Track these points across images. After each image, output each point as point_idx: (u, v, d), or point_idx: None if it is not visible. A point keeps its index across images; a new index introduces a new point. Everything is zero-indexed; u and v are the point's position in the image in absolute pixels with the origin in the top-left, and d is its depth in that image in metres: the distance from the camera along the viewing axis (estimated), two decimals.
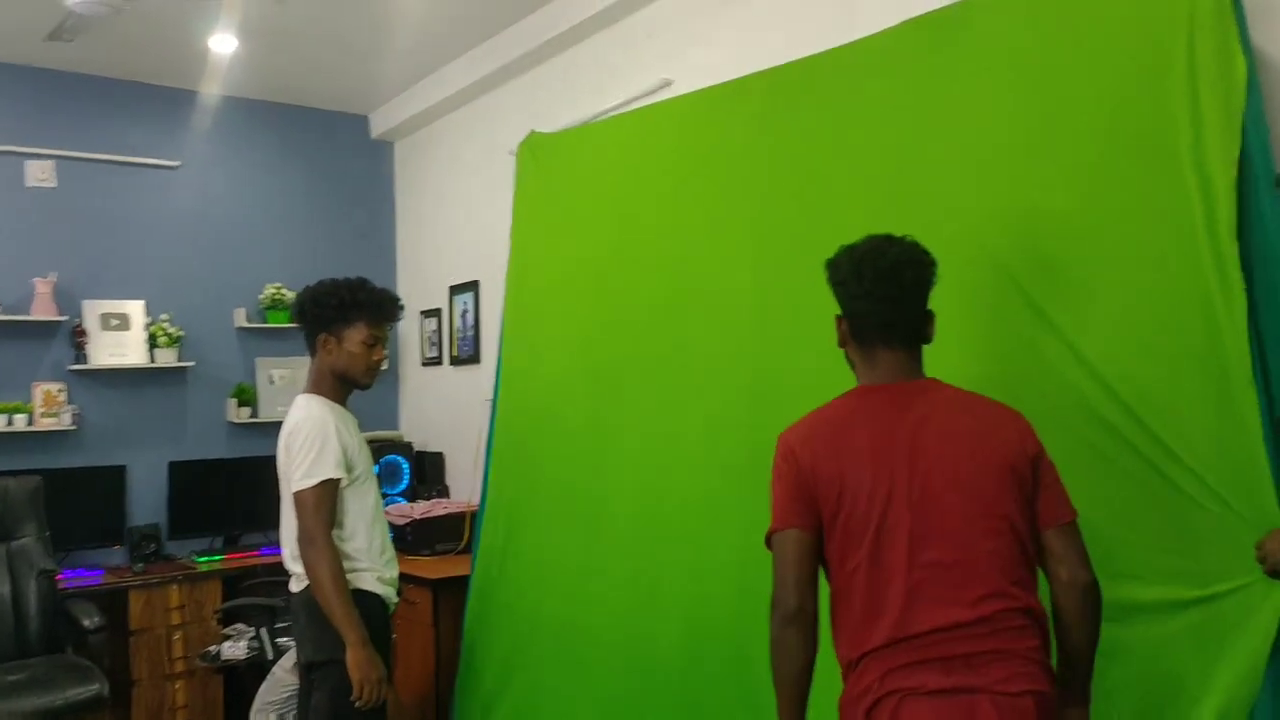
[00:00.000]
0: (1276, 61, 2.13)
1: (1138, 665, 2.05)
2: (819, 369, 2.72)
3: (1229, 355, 1.94)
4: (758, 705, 2.76)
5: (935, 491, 1.74)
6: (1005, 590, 1.70)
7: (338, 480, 2.71)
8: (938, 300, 1.95)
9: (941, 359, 2.03)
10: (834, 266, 1.95)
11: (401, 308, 2.99)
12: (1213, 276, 1.98)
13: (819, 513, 1.79)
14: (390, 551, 2.93)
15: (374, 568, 2.81)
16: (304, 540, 2.69)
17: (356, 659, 2.63)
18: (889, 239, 1.92)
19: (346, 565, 2.73)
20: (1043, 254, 2.29)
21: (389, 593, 2.88)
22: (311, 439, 2.71)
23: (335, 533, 2.73)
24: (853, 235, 2.67)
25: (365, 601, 2.73)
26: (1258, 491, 1.90)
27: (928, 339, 1.92)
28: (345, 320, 2.80)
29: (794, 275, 2.86)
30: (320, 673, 2.76)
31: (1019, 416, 1.85)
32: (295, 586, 2.84)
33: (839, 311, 1.98)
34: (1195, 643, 1.97)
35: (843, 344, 1.96)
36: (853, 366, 1.96)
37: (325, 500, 2.68)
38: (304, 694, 2.91)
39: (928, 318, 1.91)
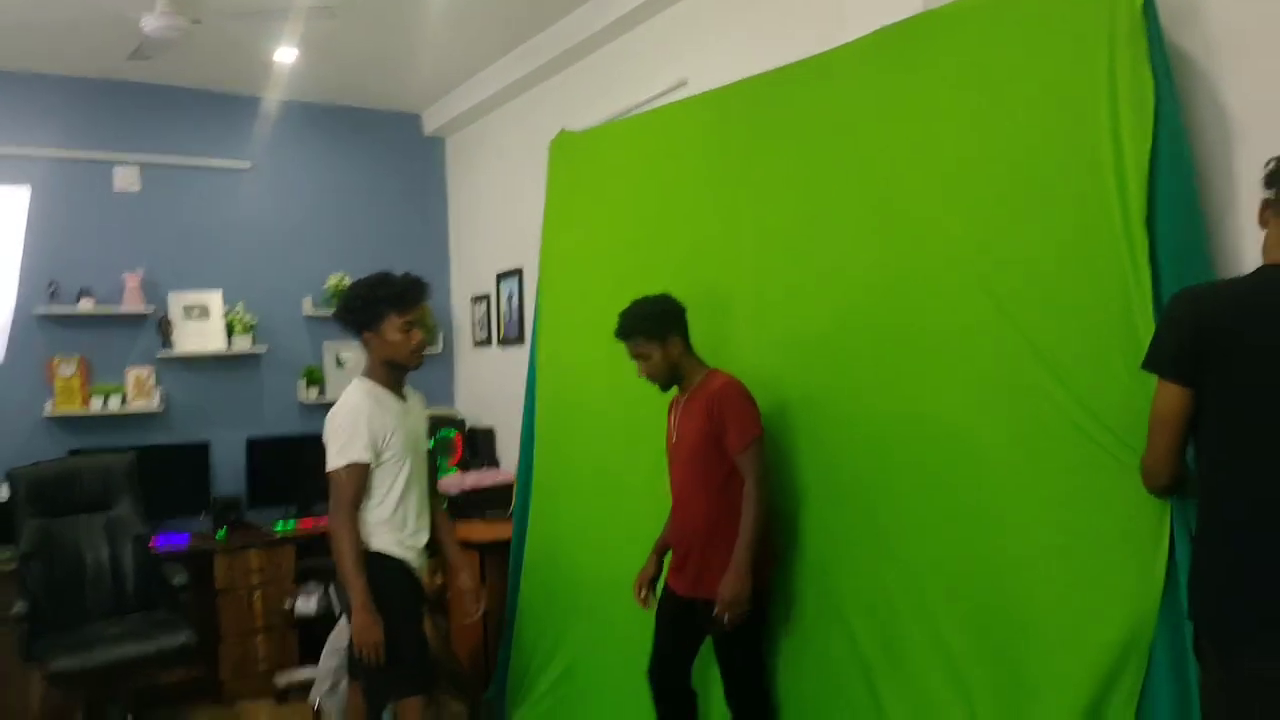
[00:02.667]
0: (1198, 61, 2.35)
1: (1060, 589, 2.36)
2: (826, 353, 3.04)
3: (1139, 327, 2.20)
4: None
5: None
6: None
7: (365, 464, 3.00)
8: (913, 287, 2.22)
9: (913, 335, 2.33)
10: None
11: (425, 287, 3.18)
12: (1127, 261, 2.23)
13: None
14: (419, 523, 3.18)
15: (397, 534, 3.09)
16: (330, 513, 3.02)
17: (356, 622, 2.96)
18: None
19: (370, 532, 3.06)
20: (993, 240, 2.56)
21: (410, 556, 3.14)
22: (343, 426, 3.01)
23: (365, 503, 3.05)
24: (854, 227, 2.98)
25: (385, 563, 3.06)
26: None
27: None
28: (376, 316, 3.07)
29: (798, 267, 3.15)
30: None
31: None
32: None
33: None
34: (1104, 567, 2.29)
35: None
36: None
37: (349, 481, 2.98)
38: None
39: None
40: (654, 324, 3.08)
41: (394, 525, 3.08)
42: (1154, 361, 1.95)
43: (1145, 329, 2.17)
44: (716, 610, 2.86)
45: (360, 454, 2.98)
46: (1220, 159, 2.30)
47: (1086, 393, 2.32)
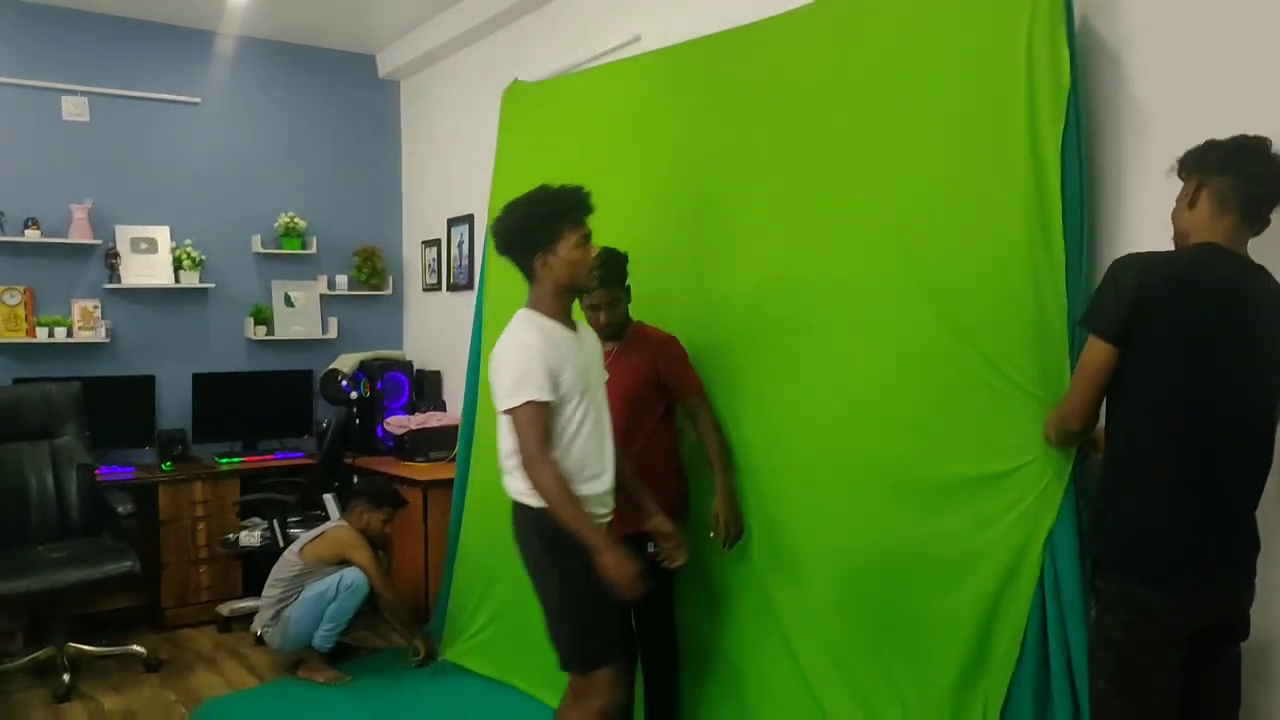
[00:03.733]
0: (1110, 45, 2.51)
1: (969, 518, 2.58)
2: (753, 308, 3.20)
3: (1045, 290, 2.39)
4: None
5: None
6: None
7: (545, 402, 2.61)
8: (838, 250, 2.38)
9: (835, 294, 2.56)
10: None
11: (588, 194, 2.75)
12: (1037, 230, 2.40)
13: None
14: (600, 465, 2.74)
15: (575, 481, 2.67)
16: (525, 461, 2.62)
17: (605, 563, 2.57)
18: None
19: None
20: (913, 207, 2.72)
21: (592, 503, 2.71)
22: (512, 363, 2.66)
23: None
24: (787, 190, 3.11)
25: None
26: (1059, 383, 2.39)
27: None
28: (554, 234, 2.66)
29: (732, 224, 3.29)
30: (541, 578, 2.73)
31: None
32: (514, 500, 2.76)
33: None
34: (1011, 501, 2.50)
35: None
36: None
37: (535, 419, 2.60)
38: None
39: None
40: (623, 274, 3.22)
41: (573, 471, 2.68)
42: (1092, 319, 2.11)
43: (1053, 289, 2.35)
44: (712, 533, 3.15)
45: (535, 391, 2.60)
46: (1125, 142, 2.47)
47: (993, 351, 2.50)
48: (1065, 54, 2.38)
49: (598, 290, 3.12)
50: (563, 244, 2.67)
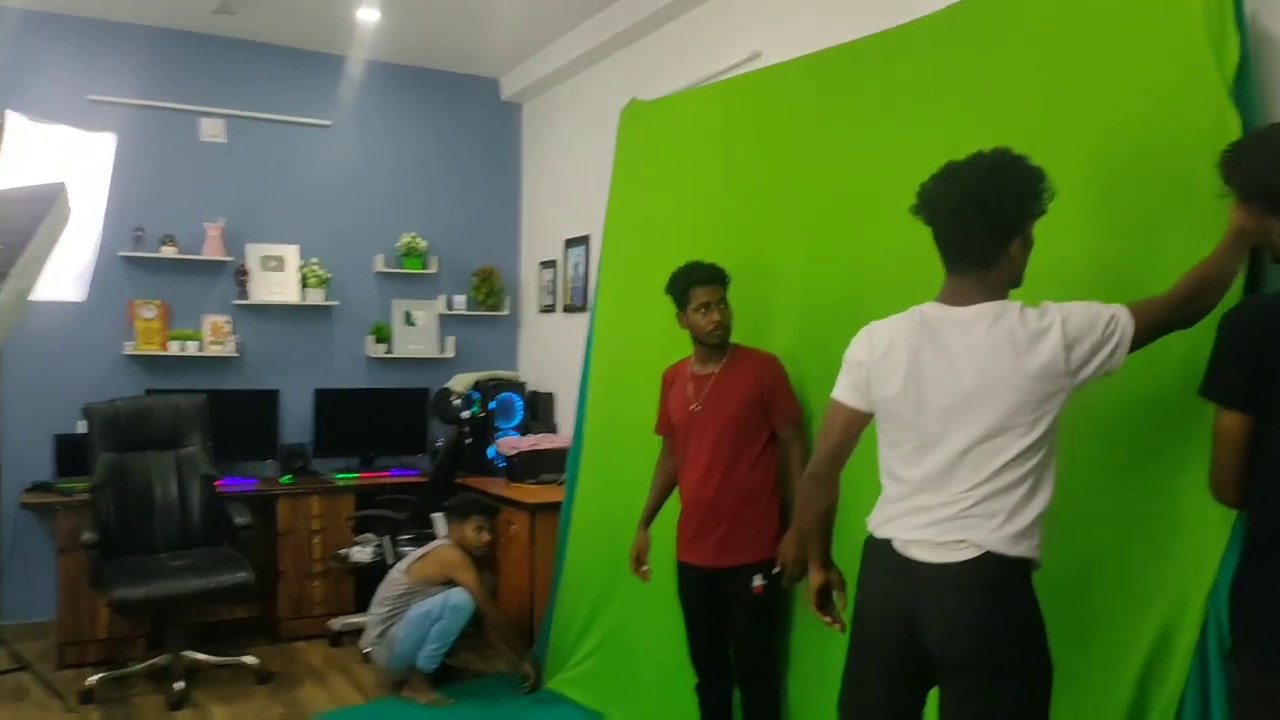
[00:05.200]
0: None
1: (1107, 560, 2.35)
2: (832, 316, 3.02)
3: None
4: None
5: None
6: None
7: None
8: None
9: None
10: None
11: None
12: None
13: None
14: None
15: None
16: None
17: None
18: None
19: None
20: (1062, 225, 2.48)
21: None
22: None
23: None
24: (853, 195, 2.95)
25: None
26: None
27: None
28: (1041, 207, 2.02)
29: (856, 244, 3.11)
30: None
31: None
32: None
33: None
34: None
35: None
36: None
37: None
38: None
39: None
40: (727, 278, 3.16)
41: None
42: (1211, 389, 1.87)
43: None
44: (778, 567, 3.01)
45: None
46: None
47: (1140, 381, 2.26)
48: (1235, 58, 2.14)
49: (703, 287, 3.07)
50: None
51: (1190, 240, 2.16)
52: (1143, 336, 1.97)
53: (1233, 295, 2.04)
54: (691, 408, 3.17)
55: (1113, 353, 1.94)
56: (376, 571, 4.59)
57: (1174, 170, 2.26)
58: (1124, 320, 1.95)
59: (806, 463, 2.92)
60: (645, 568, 3.36)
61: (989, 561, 1.97)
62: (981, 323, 1.98)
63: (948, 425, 2.01)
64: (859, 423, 2.20)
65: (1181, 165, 2.22)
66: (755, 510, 3.06)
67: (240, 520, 4.40)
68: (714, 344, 3.13)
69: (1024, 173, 1.99)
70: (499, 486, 4.94)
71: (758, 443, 3.08)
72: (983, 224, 1.98)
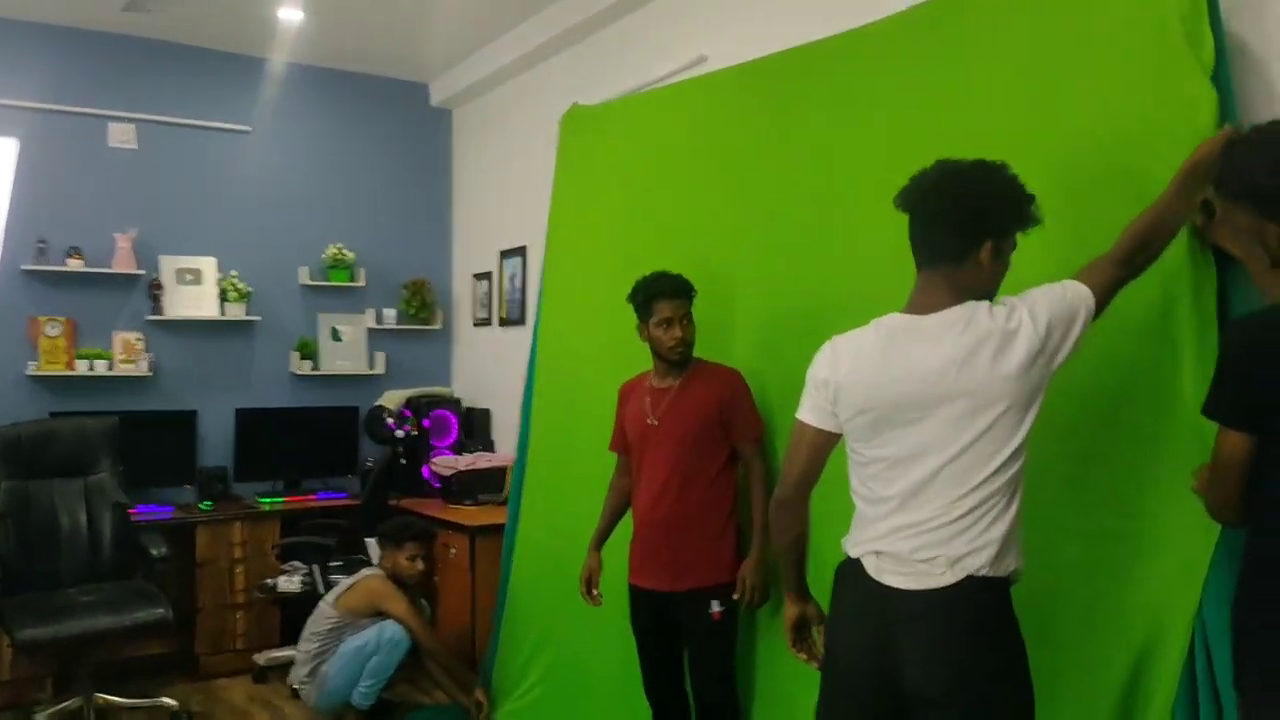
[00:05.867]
0: (1254, 50, 2.20)
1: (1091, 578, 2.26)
2: (794, 325, 2.91)
3: (1205, 316, 2.07)
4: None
5: None
6: None
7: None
8: None
9: None
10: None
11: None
12: (1186, 261, 2.09)
13: None
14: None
15: None
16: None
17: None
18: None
19: None
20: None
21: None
22: None
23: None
24: (868, 215, 2.84)
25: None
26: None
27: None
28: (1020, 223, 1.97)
29: (810, 252, 3.00)
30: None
31: None
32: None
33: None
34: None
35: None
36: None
37: None
38: None
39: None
40: (692, 290, 3.02)
41: None
42: (1214, 408, 1.78)
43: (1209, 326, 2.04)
44: (738, 591, 2.85)
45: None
46: None
47: (1120, 385, 2.18)
48: (1210, 60, 2.08)
49: (666, 301, 2.94)
50: (1006, 244, 2.02)
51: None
52: (1102, 301, 1.94)
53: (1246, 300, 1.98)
54: (648, 421, 3.02)
55: (1082, 329, 1.90)
56: (305, 602, 4.34)
57: (1147, 172, 2.19)
58: (1084, 294, 1.92)
59: (768, 481, 2.85)
60: (596, 592, 3.19)
61: (971, 587, 1.86)
62: (951, 330, 1.89)
63: (922, 439, 1.90)
64: (827, 444, 2.09)
65: (1156, 166, 2.15)
66: (711, 531, 2.92)
67: (155, 551, 4.11)
68: (674, 360, 2.99)
69: (997, 178, 1.94)
70: (435, 508, 4.73)
71: (716, 461, 2.93)
72: (948, 215, 1.94)
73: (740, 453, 2.95)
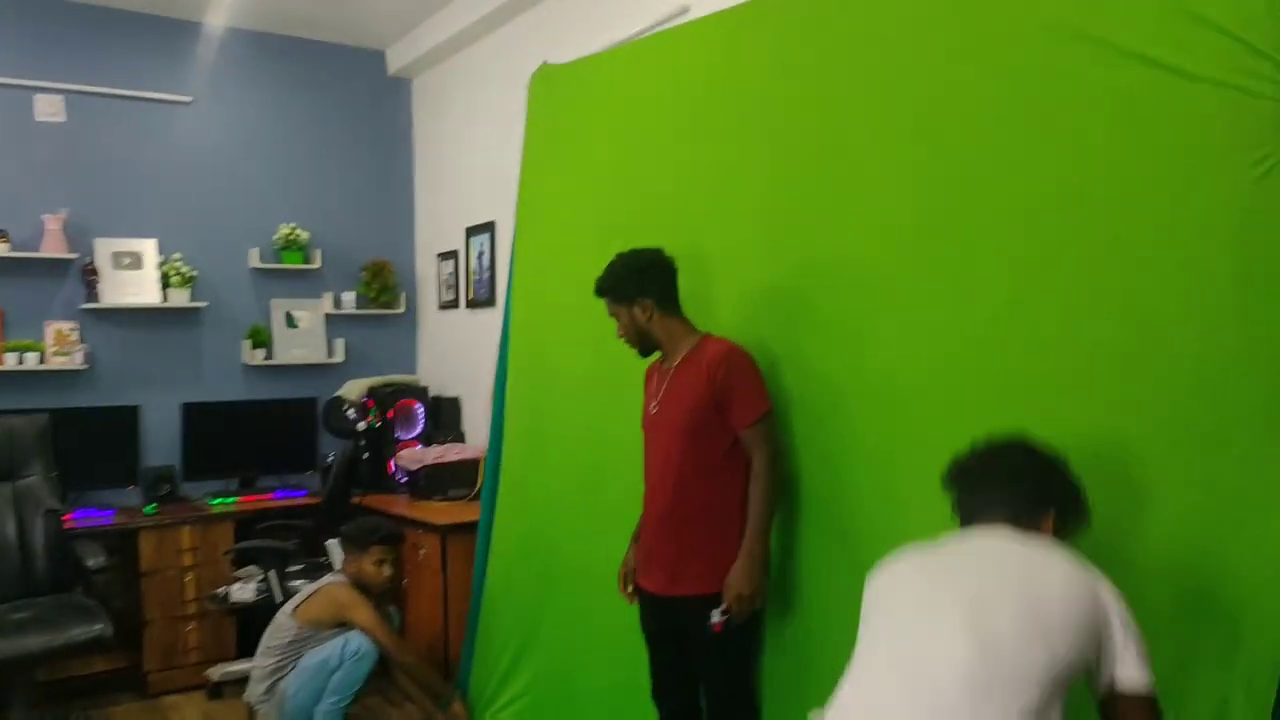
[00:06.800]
0: None
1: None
2: (832, 309, 2.61)
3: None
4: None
5: None
6: None
7: None
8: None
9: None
10: None
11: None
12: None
13: None
14: None
15: None
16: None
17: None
18: None
19: None
20: (1057, 176, 2.13)
21: None
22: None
23: None
24: (868, 169, 2.55)
25: None
26: None
27: None
28: None
29: (809, 212, 2.69)
30: None
31: None
32: None
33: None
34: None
35: None
36: None
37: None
38: None
39: None
40: (623, 284, 2.70)
41: None
42: None
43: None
44: (726, 603, 2.49)
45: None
46: None
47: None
48: None
49: (603, 300, 2.71)
50: None
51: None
52: None
53: None
54: (650, 408, 2.72)
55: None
56: (262, 611, 3.99)
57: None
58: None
59: (770, 472, 2.52)
60: (631, 589, 2.84)
61: None
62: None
63: None
64: None
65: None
66: (711, 532, 2.56)
67: (92, 562, 3.73)
68: (640, 355, 2.75)
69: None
70: (402, 506, 4.38)
71: (716, 450, 2.58)
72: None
73: (741, 437, 2.59)
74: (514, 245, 3.83)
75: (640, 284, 2.66)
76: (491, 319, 4.72)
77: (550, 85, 3.73)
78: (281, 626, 3.55)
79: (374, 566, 3.61)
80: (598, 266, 2.82)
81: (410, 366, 5.47)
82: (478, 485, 4.30)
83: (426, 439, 4.90)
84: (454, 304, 5.16)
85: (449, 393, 5.12)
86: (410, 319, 5.49)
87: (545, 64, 3.77)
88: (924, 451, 2.31)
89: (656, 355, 2.77)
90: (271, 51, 5.12)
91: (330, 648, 3.45)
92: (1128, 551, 1.96)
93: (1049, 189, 2.14)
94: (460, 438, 4.93)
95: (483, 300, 4.88)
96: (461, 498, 4.37)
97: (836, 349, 2.58)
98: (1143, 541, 1.97)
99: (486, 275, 4.85)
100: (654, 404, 2.71)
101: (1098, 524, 1.88)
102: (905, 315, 2.42)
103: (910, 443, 2.38)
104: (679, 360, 2.67)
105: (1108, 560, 1.79)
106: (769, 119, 2.82)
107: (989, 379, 2.24)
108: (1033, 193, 2.17)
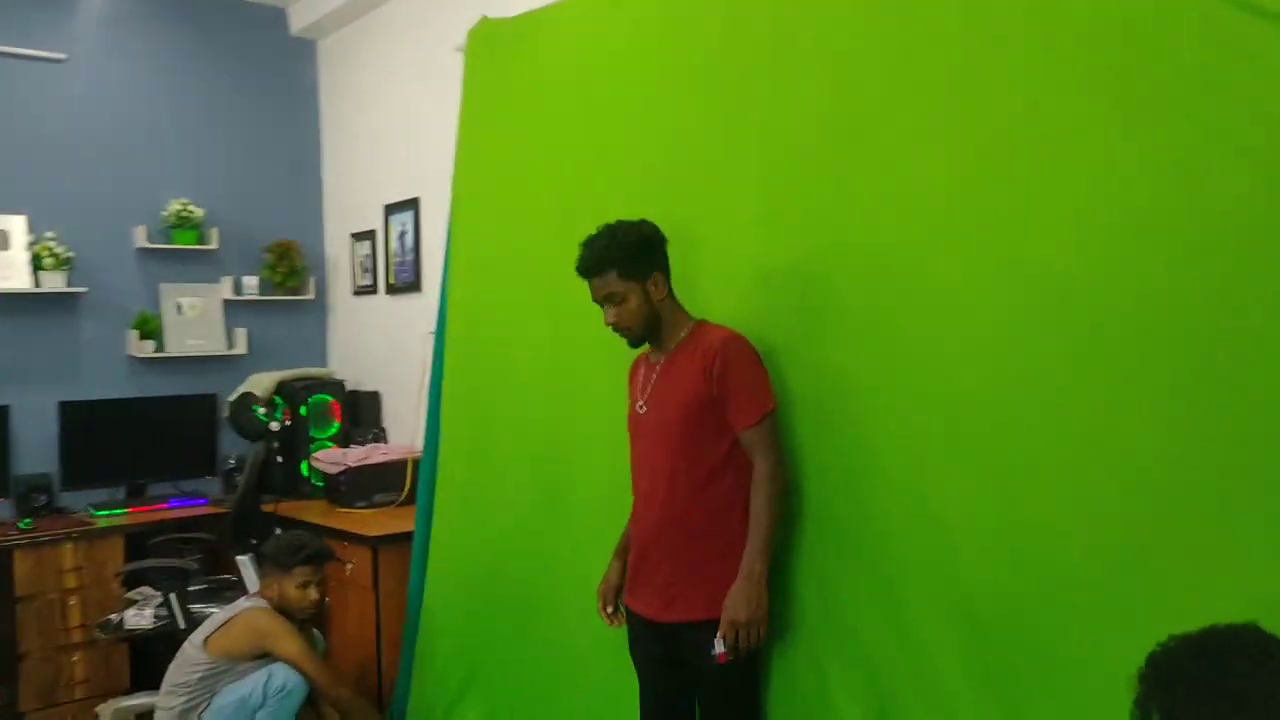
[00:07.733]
0: None
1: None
2: (848, 293, 2.32)
3: None
4: None
5: None
6: None
7: None
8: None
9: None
10: None
11: None
12: None
13: None
14: None
15: None
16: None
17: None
18: None
19: None
20: (1087, 151, 1.90)
21: None
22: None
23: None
24: (831, 125, 2.28)
25: None
26: None
27: None
28: None
29: (817, 180, 2.39)
30: None
31: None
32: None
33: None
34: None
35: None
36: None
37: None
38: None
39: None
40: (635, 256, 2.32)
41: None
42: None
43: None
44: (722, 632, 2.16)
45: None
46: None
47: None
48: None
49: (587, 280, 2.36)
50: None
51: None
52: None
53: None
54: (638, 408, 2.38)
55: None
56: (162, 639, 3.51)
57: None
58: None
59: (774, 479, 2.20)
60: (612, 609, 2.49)
61: None
62: None
63: None
64: None
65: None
66: (711, 548, 2.24)
67: None
68: (632, 345, 2.40)
69: None
70: (319, 513, 3.96)
71: (714, 455, 2.26)
72: None
73: (741, 438, 2.27)
74: (450, 224, 3.43)
75: (654, 257, 2.33)
76: (416, 305, 4.32)
77: (492, 43, 3.35)
78: (190, 659, 3.08)
79: (298, 590, 3.17)
80: (559, 246, 2.50)
81: (320, 359, 5.01)
82: (405, 489, 3.90)
83: (345, 438, 4.46)
84: (371, 289, 4.71)
85: (368, 386, 4.68)
86: (320, 306, 5.02)
87: (485, 18, 3.38)
88: (958, 454, 2.06)
89: (644, 347, 2.43)
90: (158, 5, 4.58)
91: (250, 683, 3.01)
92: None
93: (1112, 150, 1.88)
94: (382, 436, 4.50)
95: (406, 285, 4.45)
96: (389, 504, 3.96)
97: (852, 338, 2.28)
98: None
99: (410, 258, 4.42)
100: (641, 403, 2.37)
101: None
102: (936, 299, 2.13)
103: (943, 444, 2.10)
104: (671, 351, 2.34)
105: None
106: (767, 71, 2.47)
107: (1034, 369, 1.98)
108: (1083, 158, 1.91)
